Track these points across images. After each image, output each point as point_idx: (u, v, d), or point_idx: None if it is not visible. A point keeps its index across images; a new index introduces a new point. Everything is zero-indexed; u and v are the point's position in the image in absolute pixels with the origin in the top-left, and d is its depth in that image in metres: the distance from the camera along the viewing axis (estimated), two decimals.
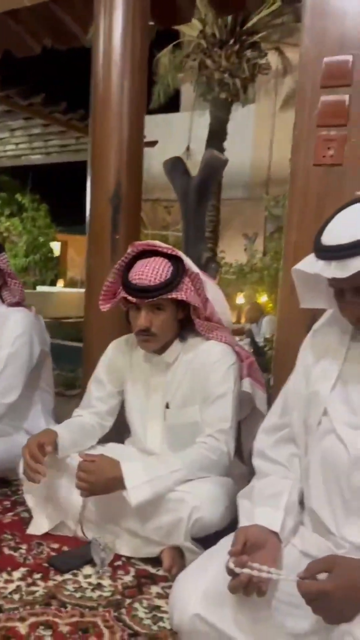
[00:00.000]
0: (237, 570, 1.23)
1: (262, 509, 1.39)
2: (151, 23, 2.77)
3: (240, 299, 10.94)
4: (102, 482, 1.71)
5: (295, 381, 1.51)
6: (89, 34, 2.95)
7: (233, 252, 11.86)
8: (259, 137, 12.59)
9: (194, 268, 1.87)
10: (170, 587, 1.48)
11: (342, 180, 1.90)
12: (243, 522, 1.43)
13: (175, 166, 3.44)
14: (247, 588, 1.25)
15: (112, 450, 1.96)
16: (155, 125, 12.01)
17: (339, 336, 1.41)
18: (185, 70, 9.80)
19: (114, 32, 2.40)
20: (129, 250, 1.87)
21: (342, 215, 1.27)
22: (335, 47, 1.89)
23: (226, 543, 1.45)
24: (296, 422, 1.47)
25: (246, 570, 1.23)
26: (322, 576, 1.21)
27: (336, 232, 1.23)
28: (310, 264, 1.28)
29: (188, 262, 1.86)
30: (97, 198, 2.46)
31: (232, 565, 1.24)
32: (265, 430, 1.56)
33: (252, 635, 1.33)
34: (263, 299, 10.86)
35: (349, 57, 1.86)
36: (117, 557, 1.81)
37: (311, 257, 1.28)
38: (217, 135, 8.96)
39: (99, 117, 2.45)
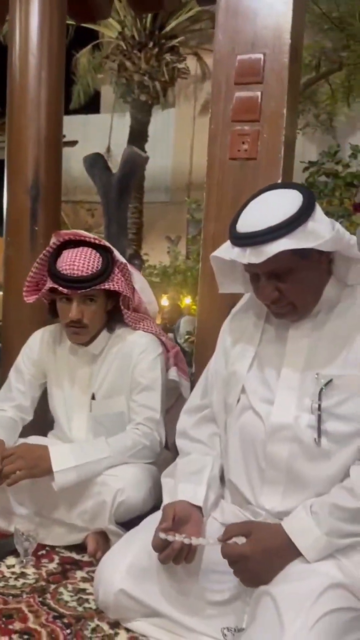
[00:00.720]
0: (170, 538, 1.29)
1: (185, 485, 1.44)
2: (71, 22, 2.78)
3: (164, 301, 11.03)
4: (31, 463, 1.69)
5: (216, 363, 1.57)
6: (5, 30, 2.91)
7: (156, 254, 11.93)
8: (180, 142, 12.75)
9: (122, 258, 1.88)
10: (95, 571, 1.49)
11: (257, 174, 1.99)
12: (166, 499, 1.47)
13: (96, 162, 3.45)
14: (177, 557, 1.31)
15: (34, 442, 1.94)
16: (75, 125, 11.88)
17: (255, 319, 1.48)
18: (105, 71, 9.80)
19: (30, 25, 2.38)
20: (53, 240, 1.84)
21: (254, 203, 1.33)
22: (247, 46, 1.97)
23: (148, 522, 1.50)
24: (216, 401, 1.53)
25: (179, 537, 1.30)
26: (242, 542, 1.27)
27: (250, 220, 1.29)
28: (226, 251, 1.33)
29: (115, 252, 1.87)
30: (15, 189, 2.43)
31: (163, 536, 1.30)
32: (187, 412, 1.61)
33: (177, 606, 1.38)
34: (187, 300, 11.01)
35: (261, 56, 1.95)
36: (41, 546, 1.79)
37: (227, 245, 1.34)
38: (137, 137, 9.01)
39: (16, 109, 2.42)
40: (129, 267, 1.89)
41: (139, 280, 1.97)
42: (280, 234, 1.23)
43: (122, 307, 1.88)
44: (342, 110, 8.45)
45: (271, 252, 1.23)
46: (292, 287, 1.30)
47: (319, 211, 1.28)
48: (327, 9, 7.21)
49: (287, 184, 1.39)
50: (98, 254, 1.79)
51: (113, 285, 1.78)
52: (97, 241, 1.82)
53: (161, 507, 1.48)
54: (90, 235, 1.83)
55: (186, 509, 1.39)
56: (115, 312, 1.89)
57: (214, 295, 2.05)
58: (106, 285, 1.77)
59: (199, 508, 1.41)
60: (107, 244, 1.85)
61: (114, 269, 1.80)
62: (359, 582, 1.22)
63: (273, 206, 1.28)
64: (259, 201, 1.33)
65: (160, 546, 1.33)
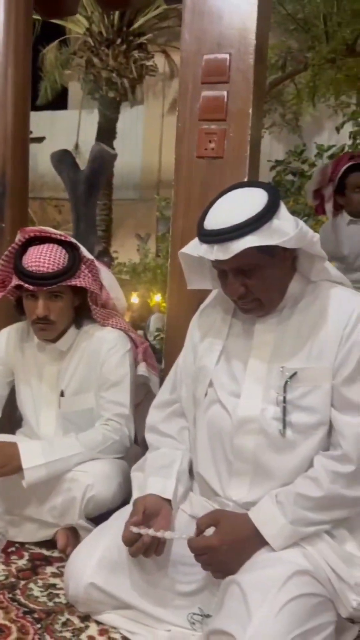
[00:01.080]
0: (142, 532, 1.32)
1: (154, 478, 1.46)
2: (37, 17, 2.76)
3: (134, 299, 11.05)
4: (1, 461, 1.69)
5: (184, 358, 1.59)
6: None
7: (126, 252, 11.93)
8: (149, 139, 12.77)
9: (88, 254, 1.89)
10: (65, 566, 1.50)
11: (223, 172, 2.01)
12: (136, 493, 1.50)
13: (63, 159, 3.43)
14: (147, 550, 1.34)
15: (2, 440, 1.93)
16: (43, 121, 11.78)
17: (223, 314, 1.51)
18: (73, 67, 9.74)
19: None
20: (19, 237, 1.83)
21: (221, 201, 1.36)
22: (214, 45, 2.00)
23: (118, 516, 1.52)
24: (185, 396, 1.56)
25: (151, 532, 1.32)
26: (210, 532, 1.30)
27: (217, 218, 1.32)
28: (194, 247, 1.36)
29: (82, 248, 1.88)
30: None
31: (135, 529, 1.32)
32: (156, 407, 1.63)
33: (147, 598, 1.40)
34: (157, 298, 11.04)
35: (226, 56, 1.98)
36: (10, 544, 1.79)
37: (195, 241, 1.36)
38: (106, 134, 8.98)
39: None
40: (97, 263, 1.90)
41: (106, 277, 1.97)
42: (246, 231, 1.26)
43: (90, 304, 1.88)
44: (307, 110, 8.58)
45: (238, 248, 1.26)
46: (258, 283, 1.33)
47: (283, 209, 1.32)
48: (293, 11, 7.31)
49: (253, 183, 1.42)
50: (64, 251, 1.80)
51: (79, 281, 1.79)
52: (63, 238, 1.82)
53: (131, 501, 1.50)
54: (56, 232, 1.83)
55: (156, 503, 1.42)
56: (83, 308, 1.89)
57: (183, 292, 2.07)
58: (72, 282, 1.77)
59: (169, 501, 1.43)
60: (74, 240, 1.85)
61: (80, 266, 1.81)
62: (322, 569, 1.26)
63: (239, 204, 1.31)
64: (226, 199, 1.36)
65: (131, 540, 1.35)
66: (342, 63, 7.02)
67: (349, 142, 6.98)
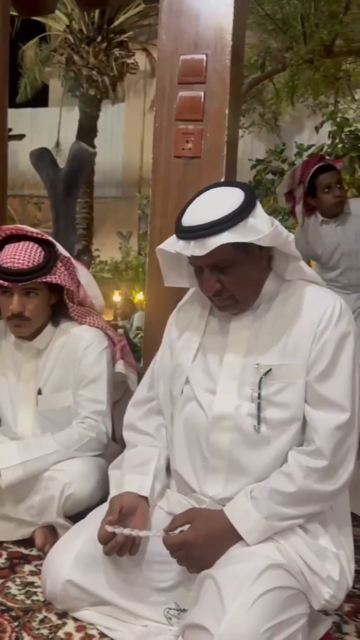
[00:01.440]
0: (118, 531, 1.33)
1: (132, 476, 1.47)
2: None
3: (116, 297, 11.02)
4: None
5: (162, 355, 1.61)
6: None
7: (108, 250, 11.89)
8: (130, 137, 12.73)
9: (65, 252, 1.89)
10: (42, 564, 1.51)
11: (200, 171, 2.03)
12: (113, 490, 1.51)
13: (42, 157, 3.42)
14: (120, 550, 1.35)
15: None
16: (23, 119, 11.69)
17: (200, 311, 1.53)
18: (53, 65, 9.68)
19: None
20: None
21: (199, 200, 1.38)
22: (190, 46, 2.01)
23: (95, 514, 1.53)
24: (162, 393, 1.57)
25: (126, 531, 1.33)
26: (185, 529, 1.32)
27: (194, 214, 1.34)
28: (172, 244, 1.38)
29: (58, 246, 1.88)
30: None
31: (110, 529, 1.33)
32: (134, 404, 1.64)
33: (123, 594, 1.41)
34: (139, 296, 11.02)
35: (203, 56, 1.99)
36: None
37: (173, 238, 1.38)
38: (87, 132, 8.93)
39: None
40: (73, 261, 1.91)
41: (84, 275, 1.98)
42: (223, 227, 1.28)
43: (67, 301, 1.89)
44: (287, 109, 8.64)
45: (214, 244, 1.28)
46: (233, 280, 1.35)
47: (259, 209, 1.34)
48: (272, 11, 7.35)
49: (231, 182, 1.45)
50: (40, 248, 1.81)
51: (55, 278, 1.80)
52: (39, 235, 1.83)
53: (108, 499, 1.51)
54: (32, 230, 1.84)
55: (133, 501, 1.43)
56: (60, 306, 1.90)
57: (162, 290, 2.08)
58: (47, 278, 1.78)
59: (146, 499, 1.45)
60: (50, 238, 1.86)
61: (56, 263, 1.82)
62: (296, 563, 1.29)
63: (216, 202, 1.34)
64: (204, 197, 1.38)
65: (106, 538, 1.36)
66: (319, 63, 7.09)
67: (328, 141, 7.04)
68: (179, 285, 1.54)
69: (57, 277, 1.80)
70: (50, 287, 1.84)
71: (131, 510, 1.42)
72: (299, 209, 3.04)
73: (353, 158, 6.51)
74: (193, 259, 1.36)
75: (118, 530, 1.34)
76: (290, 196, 3.12)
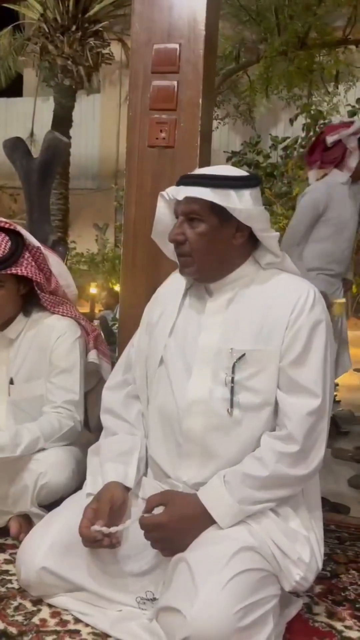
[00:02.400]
0: (105, 530, 1.35)
1: (115, 465, 1.48)
2: None
3: (93, 289, 10.96)
4: None
5: (139, 338, 1.61)
6: None
7: (84, 242, 11.80)
8: (106, 128, 12.63)
9: (35, 242, 1.88)
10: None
11: (174, 161, 2.04)
12: (90, 478, 1.51)
13: (16, 147, 3.38)
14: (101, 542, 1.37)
15: None
16: None
17: (176, 293, 1.55)
18: (27, 54, 9.52)
19: None
20: None
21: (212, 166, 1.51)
22: (164, 35, 2.01)
23: (69, 502, 1.53)
24: (139, 376, 1.58)
25: (112, 529, 1.36)
26: (159, 511, 1.34)
27: (200, 171, 1.48)
28: (170, 190, 1.45)
29: (28, 236, 1.87)
30: None
31: (96, 529, 1.35)
32: (110, 388, 1.64)
33: (98, 579, 1.42)
34: (117, 288, 10.97)
35: (176, 46, 1.99)
36: None
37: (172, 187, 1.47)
38: (62, 122, 8.81)
39: None
40: (44, 250, 1.90)
41: (55, 264, 1.97)
42: (207, 184, 1.37)
43: (37, 291, 1.88)
44: (261, 101, 8.66)
45: (192, 192, 1.37)
46: (196, 238, 1.41)
47: (252, 194, 1.40)
48: (246, 2, 7.35)
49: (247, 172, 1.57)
50: (7, 239, 1.80)
51: (21, 270, 1.79)
52: (7, 225, 1.81)
53: (84, 485, 1.51)
54: (0, 219, 1.82)
55: (120, 497, 1.43)
56: (32, 296, 1.89)
57: (137, 280, 2.09)
58: (12, 270, 1.77)
59: (128, 488, 1.46)
60: (19, 228, 1.85)
61: (23, 253, 1.81)
62: (267, 545, 1.31)
63: (220, 169, 1.45)
64: (217, 166, 1.51)
65: (92, 539, 1.36)
66: (293, 56, 7.11)
67: (303, 134, 7.09)
68: (162, 246, 1.57)
69: (23, 268, 1.79)
70: (17, 278, 1.83)
71: (119, 507, 1.42)
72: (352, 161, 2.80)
73: None
74: (175, 205, 1.44)
75: (105, 529, 1.35)
76: (316, 153, 2.94)
